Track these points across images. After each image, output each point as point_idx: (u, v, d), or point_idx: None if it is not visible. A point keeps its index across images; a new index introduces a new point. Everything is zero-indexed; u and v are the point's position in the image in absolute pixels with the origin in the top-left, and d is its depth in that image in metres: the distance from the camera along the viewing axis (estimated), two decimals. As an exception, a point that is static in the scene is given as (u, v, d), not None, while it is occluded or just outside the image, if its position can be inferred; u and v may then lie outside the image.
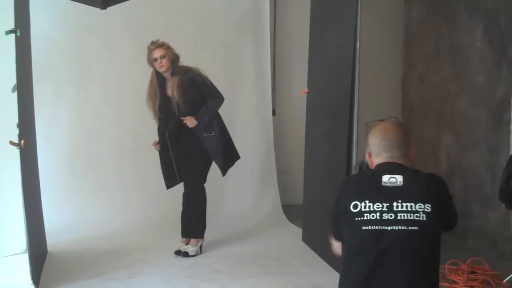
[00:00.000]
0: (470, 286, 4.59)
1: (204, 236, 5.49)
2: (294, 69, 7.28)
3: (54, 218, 5.73)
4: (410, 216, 2.41)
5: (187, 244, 5.44)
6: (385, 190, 2.45)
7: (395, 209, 2.41)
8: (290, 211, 6.78)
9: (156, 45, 5.25)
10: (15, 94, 4.33)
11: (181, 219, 5.50)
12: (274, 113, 7.19)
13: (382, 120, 2.80)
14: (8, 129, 4.36)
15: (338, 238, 2.64)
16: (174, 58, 5.27)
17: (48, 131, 6.12)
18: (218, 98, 5.37)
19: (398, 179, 2.48)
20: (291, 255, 5.38)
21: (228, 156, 5.49)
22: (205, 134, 5.32)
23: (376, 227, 2.40)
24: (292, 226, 6.42)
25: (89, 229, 5.96)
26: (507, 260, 5.14)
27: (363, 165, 2.75)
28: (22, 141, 4.28)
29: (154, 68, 5.30)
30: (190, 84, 5.26)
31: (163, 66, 5.24)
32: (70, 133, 6.38)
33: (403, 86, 7.11)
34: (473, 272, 4.79)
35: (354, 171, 2.78)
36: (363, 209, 2.42)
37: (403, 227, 2.40)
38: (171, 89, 5.26)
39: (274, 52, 7.19)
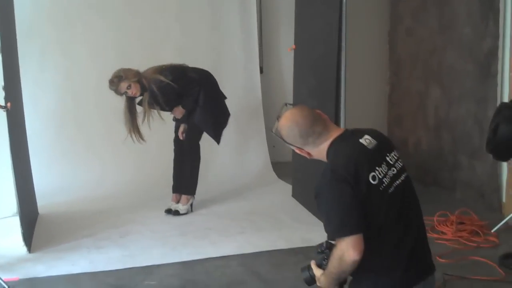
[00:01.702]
0: (458, 237, 4.64)
1: (195, 195, 5.51)
2: (281, 26, 7.24)
3: (44, 181, 5.73)
4: (398, 165, 2.44)
5: (177, 202, 5.47)
6: (374, 151, 2.42)
7: (390, 162, 2.42)
8: (280, 168, 6.81)
9: (115, 84, 5.13)
10: (0, 56, 4.28)
11: (173, 175, 5.53)
12: (261, 71, 7.17)
13: (278, 117, 2.55)
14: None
15: (363, 227, 2.31)
16: (138, 78, 5.14)
17: (35, 94, 6.07)
18: (190, 90, 5.26)
19: (370, 138, 2.44)
20: (281, 211, 5.42)
21: (217, 125, 5.48)
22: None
23: (393, 187, 2.39)
24: (281, 182, 6.46)
25: (79, 191, 5.97)
26: (495, 210, 5.21)
27: (323, 247, 2.46)
28: (9, 104, 4.25)
29: (127, 97, 5.22)
30: (158, 95, 5.16)
31: (136, 93, 5.16)
32: (57, 95, 6.34)
33: (390, 40, 7.09)
34: (461, 223, 4.85)
35: (318, 251, 2.48)
36: (380, 176, 2.35)
37: (402, 177, 2.42)
38: (147, 105, 5.16)
39: (261, 9, 7.15)
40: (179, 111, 5.34)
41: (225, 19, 6.97)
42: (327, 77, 4.97)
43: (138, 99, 5.26)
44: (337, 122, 4.79)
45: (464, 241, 4.55)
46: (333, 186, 2.33)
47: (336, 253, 2.29)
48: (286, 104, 2.64)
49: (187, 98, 5.28)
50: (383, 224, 2.35)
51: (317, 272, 2.43)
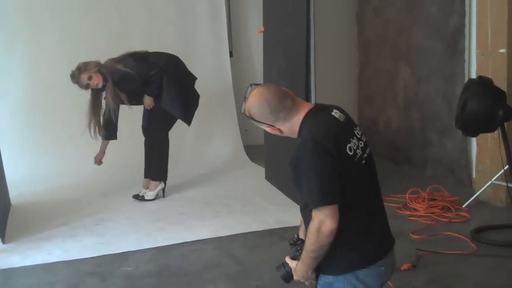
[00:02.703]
0: (430, 213, 4.70)
1: (167, 181, 5.50)
2: (249, 9, 7.24)
3: (15, 171, 5.69)
4: (364, 140, 2.45)
5: (147, 188, 5.46)
6: (346, 125, 2.41)
7: (358, 136, 2.43)
8: (252, 151, 6.83)
9: (76, 76, 5.09)
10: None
11: (144, 160, 5.52)
12: (231, 55, 7.16)
13: (245, 97, 2.48)
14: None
15: (339, 198, 2.30)
16: (98, 68, 5.10)
17: (3, 85, 6.02)
18: (152, 76, 5.21)
19: (339, 113, 2.42)
20: (255, 193, 5.44)
21: (185, 106, 5.44)
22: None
23: (364, 160, 2.40)
24: (254, 165, 6.48)
25: (52, 180, 5.94)
26: (465, 186, 5.29)
27: (294, 239, 2.47)
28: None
29: (92, 89, 5.18)
30: (119, 84, 5.13)
31: (98, 83, 5.11)
32: (25, 86, 6.29)
33: (358, 21, 7.12)
34: (433, 199, 4.92)
35: (291, 243, 2.48)
36: (354, 148, 2.35)
37: (367, 151, 2.44)
38: (110, 97, 5.13)
39: (228, -8, 7.14)
40: (148, 100, 5.32)
41: (193, 3, 6.94)
42: (297, 59, 4.98)
43: (104, 95, 5.22)
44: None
45: (436, 217, 4.62)
46: (314, 156, 2.30)
47: (313, 226, 2.28)
48: (251, 85, 2.61)
49: (150, 85, 5.25)
50: (357, 196, 2.36)
51: (292, 264, 2.43)
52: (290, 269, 2.43)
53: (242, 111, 2.49)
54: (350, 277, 2.34)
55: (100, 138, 5.31)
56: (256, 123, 2.45)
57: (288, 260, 2.44)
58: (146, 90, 5.29)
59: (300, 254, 2.36)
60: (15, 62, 6.23)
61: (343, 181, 2.30)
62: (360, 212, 2.37)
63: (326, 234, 2.27)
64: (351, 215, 2.34)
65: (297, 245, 2.42)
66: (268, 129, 2.47)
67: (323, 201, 2.27)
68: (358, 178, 2.35)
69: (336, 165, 2.28)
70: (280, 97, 2.42)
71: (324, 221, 2.26)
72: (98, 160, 5.48)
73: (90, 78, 5.07)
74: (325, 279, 2.38)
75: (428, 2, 5.72)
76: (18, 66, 6.26)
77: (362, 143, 2.40)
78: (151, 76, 5.21)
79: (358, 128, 2.46)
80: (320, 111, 2.42)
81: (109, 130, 5.33)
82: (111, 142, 5.40)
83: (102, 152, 5.45)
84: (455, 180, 5.44)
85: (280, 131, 2.45)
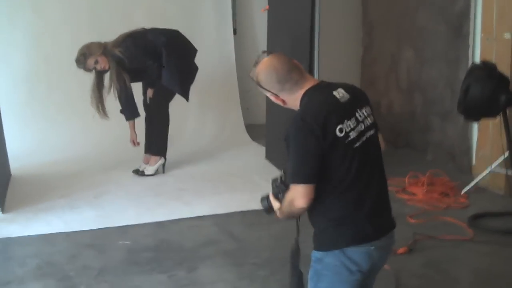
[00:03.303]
0: (428, 198, 4.71)
1: (168, 156, 5.52)
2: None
3: (16, 142, 5.69)
4: (368, 122, 2.45)
5: (147, 163, 5.47)
6: (345, 104, 2.40)
7: (359, 119, 2.43)
8: (253, 130, 6.83)
9: (82, 62, 5.12)
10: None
11: (145, 135, 5.54)
12: (235, 32, 7.13)
13: (256, 63, 2.52)
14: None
15: (317, 179, 2.35)
16: (102, 50, 5.11)
17: (5, 56, 6.01)
18: (148, 67, 5.26)
19: (343, 92, 2.42)
20: (255, 172, 5.45)
21: (184, 81, 5.43)
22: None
23: (360, 142, 2.40)
24: (255, 144, 6.48)
25: (53, 153, 5.94)
26: (465, 172, 5.29)
27: (277, 183, 2.48)
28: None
29: (96, 71, 5.19)
30: (121, 64, 5.14)
31: (104, 66, 5.14)
32: (28, 58, 6.27)
33: (363, 2, 7.09)
34: (432, 184, 4.92)
35: (274, 186, 2.49)
36: (347, 130, 2.35)
37: (369, 133, 2.44)
38: (115, 78, 5.13)
39: (234, -30, 7.10)
40: (150, 92, 5.39)
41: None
42: (301, 38, 4.97)
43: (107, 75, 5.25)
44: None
45: (435, 202, 4.63)
46: (299, 133, 2.35)
47: (288, 196, 2.37)
48: (264, 52, 2.63)
49: (148, 75, 5.30)
50: (345, 177, 2.38)
51: (275, 204, 2.49)
52: (271, 205, 2.48)
53: (251, 75, 2.52)
54: (338, 253, 2.38)
55: (107, 118, 5.29)
56: (262, 90, 2.48)
57: (271, 197, 2.49)
58: (145, 79, 5.33)
59: (282, 197, 2.42)
60: (17, 33, 6.21)
61: (330, 161, 2.34)
62: (348, 193, 2.39)
63: (296, 210, 2.37)
64: (339, 195, 2.38)
65: (279, 188, 2.46)
66: (272, 98, 2.50)
67: (297, 179, 2.34)
68: (346, 159, 2.36)
69: (321, 146, 2.31)
70: (289, 68, 2.45)
71: (295, 198, 2.34)
72: (133, 142, 5.47)
73: (96, 62, 5.10)
74: (316, 254, 2.43)
75: (434, -15, 5.70)
76: (21, 37, 6.24)
77: (363, 126, 2.40)
78: (149, 66, 5.24)
79: (365, 109, 2.44)
80: (321, 89, 2.43)
81: (127, 110, 5.35)
82: (115, 116, 5.38)
83: (133, 132, 5.44)
84: (455, 165, 5.45)
85: (284, 101, 2.48)
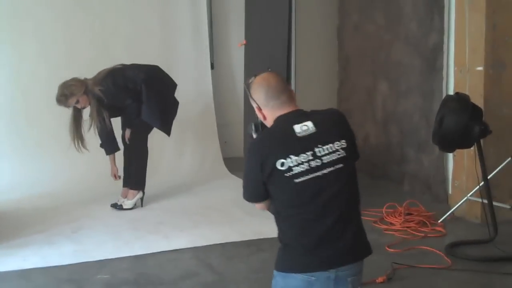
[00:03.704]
0: (406, 227, 4.75)
1: (146, 190, 5.51)
2: (231, 22, 7.28)
3: (-6, 177, 5.66)
4: (333, 157, 2.50)
5: (126, 196, 5.47)
6: (303, 140, 2.50)
7: (318, 155, 2.49)
8: (231, 163, 6.85)
9: (63, 101, 5.15)
10: None
11: (123, 169, 5.54)
12: (212, 67, 7.19)
13: (256, 75, 2.73)
14: None
15: (263, 198, 2.60)
16: (83, 89, 5.15)
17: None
18: (128, 106, 5.33)
19: (309, 125, 2.52)
20: (233, 205, 5.45)
21: (164, 117, 5.47)
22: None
23: (308, 177, 2.47)
24: (233, 177, 6.49)
25: (30, 188, 5.90)
26: (441, 201, 5.35)
27: (259, 126, 2.73)
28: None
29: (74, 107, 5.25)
30: (101, 102, 5.20)
31: (84, 105, 5.21)
32: (6, 92, 6.26)
33: (338, 36, 7.19)
34: (409, 214, 4.96)
35: (251, 132, 2.78)
36: (290, 164, 2.46)
37: (331, 168, 2.49)
38: (95, 114, 5.18)
39: (211, 4, 7.18)
40: (127, 133, 5.45)
41: (176, 14, 6.96)
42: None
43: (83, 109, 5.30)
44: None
45: (412, 231, 4.66)
46: (248, 155, 2.59)
47: None
48: (269, 69, 2.91)
49: (128, 114, 5.37)
50: (287, 207, 2.52)
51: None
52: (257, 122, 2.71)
53: (246, 83, 2.73)
54: (282, 276, 2.54)
55: (85, 150, 5.31)
56: (250, 99, 2.67)
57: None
58: (124, 116, 5.40)
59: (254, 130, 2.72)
60: (-4, 69, 6.22)
61: (271, 189, 2.53)
62: (293, 221, 2.51)
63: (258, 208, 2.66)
64: (285, 220, 2.54)
65: (256, 129, 2.73)
66: (256, 110, 2.67)
67: (244, 196, 2.64)
68: (287, 191, 2.49)
69: (261, 174, 2.50)
70: (281, 89, 2.61)
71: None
72: (114, 175, 5.48)
73: (77, 102, 5.14)
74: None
75: (407, 19, 5.80)
76: (0, 72, 6.23)
77: (320, 162, 2.48)
78: (128, 105, 5.29)
79: (337, 143, 2.51)
80: (288, 119, 2.56)
81: (108, 145, 5.37)
82: (92, 150, 5.38)
83: (113, 166, 5.46)
84: (431, 195, 5.50)
85: (264, 117, 2.65)
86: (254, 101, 2.66)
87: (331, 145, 2.51)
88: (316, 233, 2.48)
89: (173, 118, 5.56)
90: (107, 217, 5.21)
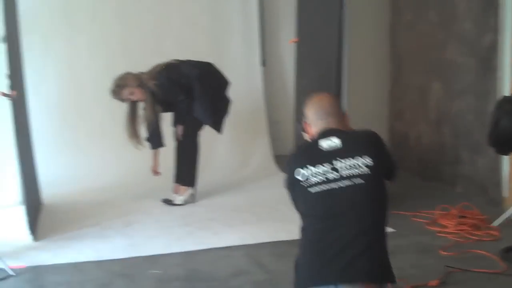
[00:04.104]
0: (460, 230, 4.67)
1: (197, 187, 5.54)
2: (282, 19, 7.26)
3: (48, 170, 5.74)
4: (354, 172, 2.53)
5: (176, 193, 5.50)
6: (326, 153, 2.60)
7: (337, 167, 2.55)
8: (282, 161, 6.82)
9: (117, 93, 5.23)
10: (3, 44, 4.30)
11: (175, 165, 5.57)
12: (263, 64, 7.19)
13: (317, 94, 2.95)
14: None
15: (295, 208, 2.75)
16: (138, 82, 5.22)
17: (38, 85, 6.07)
18: (180, 102, 5.36)
19: (336, 141, 2.62)
20: (283, 203, 5.37)
21: (217, 114, 5.51)
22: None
23: (323, 187, 2.54)
24: (283, 175, 6.45)
25: (83, 181, 5.99)
26: (496, 204, 5.24)
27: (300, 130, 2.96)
28: (13, 92, 4.27)
29: (130, 101, 5.31)
30: (155, 96, 5.27)
31: (140, 97, 5.26)
32: (60, 86, 6.35)
33: (391, 34, 7.11)
34: (463, 217, 4.88)
35: (300, 131, 2.98)
36: (308, 175, 2.56)
37: (348, 182, 2.52)
38: (150, 109, 5.26)
39: (262, 1, 7.17)
40: (179, 130, 5.47)
41: (227, 10, 7.00)
42: (329, 70, 5.00)
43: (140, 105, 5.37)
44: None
45: (466, 235, 4.58)
46: (286, 163, 2.81)
47: None
48: (331, 93, 3.16)
49: (179, 110, 5.40)
50: (305, 214, 2.63)
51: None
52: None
53: (307, 98, 2.90)
54: None
55: (142, 147, 5.41)
56: (304, 113, 2.84)
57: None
58: (176, 112, 5.43)
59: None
60: (50, 62, 6.31)
61: (293, 200, 2.74)
62: (307, 233, 2.62)
63: None
64: (302, 232, 2.66)
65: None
66: (304, 124, 2.85)
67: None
68: (306, 200, 2.61)
69: (288, 180, 2.73)
70: (331, 112, 2.76)
71: None
72: (154, 171, 5.54)
73: (131, 93, 5.19)
74: None
75: (462, 18, 5.71)
76: (53, 68, 6.33)
77: (338, 175, 2.54)
78: (180, 101, 5.31)
79: (361, 159, 2.56)
80: (318, 135, 2.72)
81: (154, 140, 5.41)
82: (145, 144, 5.45)
83: (156, 162, 5.51)
84: (485, 198, 5.40)
85: (309, 132, 2.82)
86: (305, 115, 2.83)
87: (352, 160, 2.56)
88: (335, 244, 2.50)
89: (225, 116, 5.59)
90: (159, 212, 5.26)
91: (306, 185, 2.57)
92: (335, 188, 2.53)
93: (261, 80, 7.12)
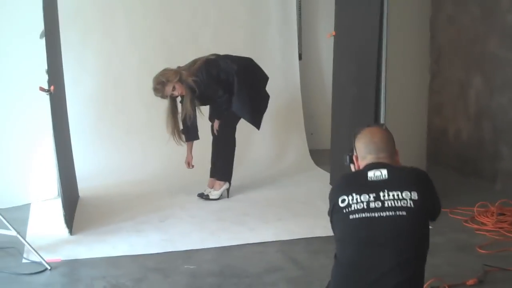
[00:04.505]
0: (499, 228, 4.58)
1: (232, 181, 5.54)
2: (320, 12, 7.21)
3: (84, 164, 5.81)
4: (397, 203, 2.49)
5: (212, 188, 5.50)
6: (372, 183, 2.57)
7: (382, 198, 2.52)
8: (318, 155, 6.80)
9: (160, 90, 5.23)
10: (43, 40, 4.34)
11: (211, 159, 5.59)
12: (300, 57, 7.14)
13: (368, 126, 2.87)
14: (37, 76, 4.39)
15: (334, 233, 2.71)
16: (179, 77, 5.21)
17: (76, 79, 6.13)
18: (219, 98, 5.34)
19: (383, 172, 2.59)
20: (319, 198, 5.40)
21: (256, 110, 5.50)
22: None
23: (364, 215, 2.50)
24: (319, 170, 6.45)
25: (119, 175, 6.04)
26: (536, 202, 5.13)
27: (352, 157, 2.85)
28: (52, 87, 4.31)
29: (170, 97, 5.30)
30: (194, 91, 5.27)
31: (182, 92, 5.25)
32: (97, 80, 6.39)
33: (431, 27, 6.99)
34: (502, 214, 4.79)
35: (346, 163, 2.90)
36: (350, 202, 2.54)
37: (390, 213, 2.48)
38: (189, 104, 5.26)
39: (300, -5, 7.13)
40: (217, 124, 5.47)
41: (264, 4, 6.96)
42: (368, 64, 4.94)
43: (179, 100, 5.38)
44: (377, 109, 4.80)
45: (505, 232, 4.49)
46: (330, 191, 2.74)
47: None
48: (384, 126, 3.00)
49: (218, 106, 5.40)
50: (340, 239, 2.61)
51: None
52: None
53: (358, 129, 2.84)
54: None
55: (183, 143, 5.43)
56: (353, 144, 2.80)
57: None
58: (214, 107, 5.43)
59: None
60: (88, 56, 6.35)
61: (332, 228, 2.68)
62: (340, 260, 2.59)
63: None
64: (335, 258, 2.63)
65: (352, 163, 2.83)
66: (354, 157, 2.80)
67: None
68: (342, 227, 2.59)
69: (330, 209, 2.67)
70: (382, 147, 2.71)
71: None
72: (188, 164, 5.56)
73: (174, 88, 5.20)
74: None
75: (504, 10, 5.58)
76: (91, 62, 6.37)
77: (381, 204, 2.51)
78: (219, 96, 5.30)
79: (407, 192, 2.53)
80: (368, 166, 2.67)
81: (190, 132, 5.42)
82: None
83: (189, 154, 5.53)
84: (526, 195, 5.30)
85: (358, 166, 2.76)
86: (355, 149, 2.78)
87: (399, 192, 2.53)
88: (361, 274, 2.49)
89: (263, 112, 5.58)
90: (193, 207, 5.27)
91: (346, 211, 2.55)
92: (375, 217, 2.49)
93: (298, 74, 7.07)
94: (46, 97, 4.34)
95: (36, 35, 4.52)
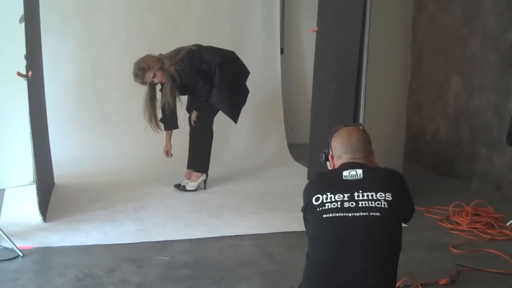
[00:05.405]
0: (473, 228, 4.61)
1: (209, 173, 5.52)
2: (303, 7, 7.20)
3: (61, 151, 5.75)
4: (372, 204, 2.49)
5: (189, 178, 5.48)
6: (346, 182, 2.58)
7: (356, 198, 2.52)
8: (296, 150, 6.79)
9: (140, 76, 5.20)
10: (23, 25, 4.29)
11: (188, 151, 5.56)
12: (282, 52, 7.13)
13: (345, 125, 2.85)
14: (15, 60, 4.33)
15: (306, 231, 2.69)
16: (161, 65, 5.18)
17: (55, 65, 6.07)
18: (199, 88, 5.32)
19: (358, 172, 2.59)
20: (296, 193, 5.34)
21: (234, 104, 5.48)
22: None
23: (337, 214, 2.50)
24: (297, 165, 6.45)
25: (96, 163, 6.00)
26: (511, 203, 5.16)
27: (328, 156, 2.86)
28: (30, 73, 4.26)
29: (150, 84, 5.28)
30: (176, 87, 5.26)
31: (161, 80, 5.23)
32: (77, 66, 6.34)
33: (413, 26, 7.00)
34: (476, 215, 4.81)
35: (322, 160, 2.90)
36: (324, 200, 2.53)
37: (364, 213, 2.48)
38: (169, 92, 5.23)
39: (283, -11, 7.11)
40: (194, 115, 5.44)
41: (248, -2, 6.94)
42: (349, 60, 4.94)
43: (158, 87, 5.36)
44: (356, 106, 4.81)
45: (479, 233, 4.52)
46: (305, 189, 2.74)
47: None
48: (361, 124, 3.08)
49: (198, 96, 5.36)
50: (312, 237, 2.60)
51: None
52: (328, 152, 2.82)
53: (333, 129, 2.84)
54: None
55: (161, 130, 5.42)
56: (329, 144, 2.80)
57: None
58: (193, 97, 5.40)
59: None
60: (67, 45, 6.30)
61: (305, 226, 2.67)
62: (312, 260, 2.58)
63: None
64: (307, 257, 2.62)
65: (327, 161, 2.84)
66: (329, 157, 2.81)
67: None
68: (315, 224, 2.58)
69: (304, 207, 2.66)
70: (358, 148, 2.71)
71: None
72: (167, 152, 5.54)
73: (154, 75, 5.17)
74: None
75: (486, 12, 5.61)
76: (70, 49, 6.32)
77: (355, 204, 2.51)
78: (199, 87, 5.28)
79: (381, 193, 2.53)
80: (343, 166, 2.68)
81: (169, 121, 5.40)
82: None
83: (168, 143, 5.51)
84: (501, 196, 5.33)
85: (333, 165, 2.77)
86: (331, 148, 2.78)
87: (373, 193, 2.54)
88: (335, 273, 2.49)
89: (242, 106, 5.57)
90: (169, 198, 5.25)
91: (319, 210, 2.54)
92: (349, 217, 2.49)
93: (279, 68, 7.06)
94: (23, 83, 4.29)
95: (15, 19, 4.46)
